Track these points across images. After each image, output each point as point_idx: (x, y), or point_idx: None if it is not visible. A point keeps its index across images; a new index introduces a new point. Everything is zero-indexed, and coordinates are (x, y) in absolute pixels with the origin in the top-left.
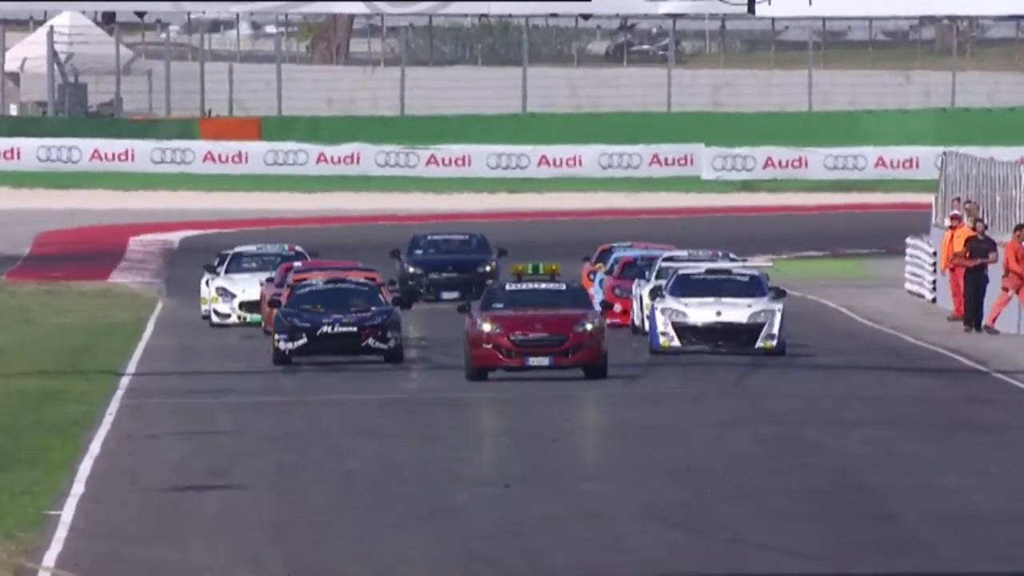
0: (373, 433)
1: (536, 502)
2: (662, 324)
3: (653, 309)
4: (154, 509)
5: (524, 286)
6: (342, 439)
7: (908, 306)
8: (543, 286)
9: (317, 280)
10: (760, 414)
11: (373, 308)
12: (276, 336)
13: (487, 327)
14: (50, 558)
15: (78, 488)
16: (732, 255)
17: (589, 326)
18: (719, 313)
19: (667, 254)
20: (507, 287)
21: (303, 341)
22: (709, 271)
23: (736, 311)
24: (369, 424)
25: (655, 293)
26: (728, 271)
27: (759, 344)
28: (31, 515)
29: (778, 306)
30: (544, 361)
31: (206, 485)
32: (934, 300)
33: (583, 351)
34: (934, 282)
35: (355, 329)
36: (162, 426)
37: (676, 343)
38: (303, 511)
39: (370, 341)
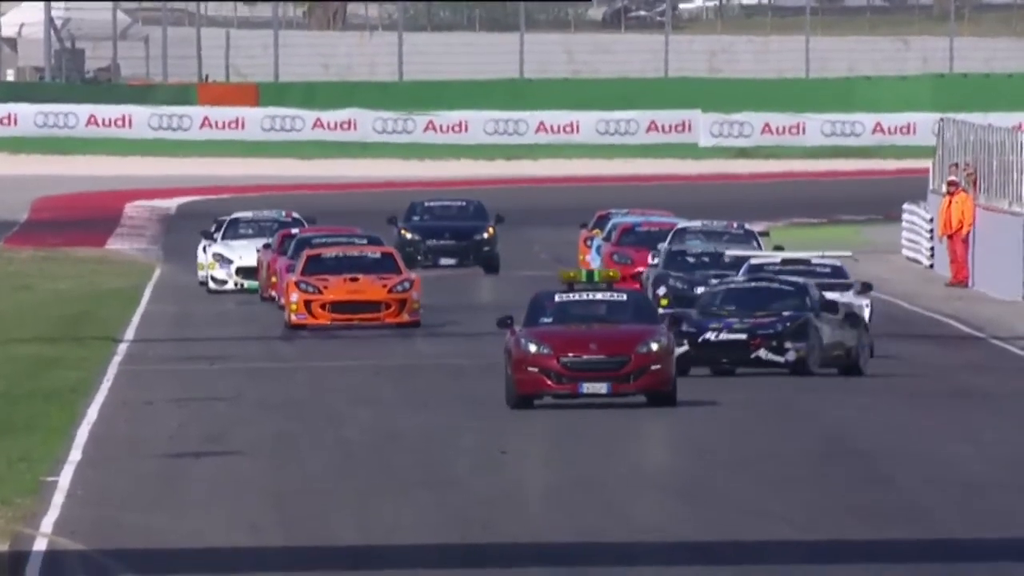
0: (372, 400)
1: (534, 469)
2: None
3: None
4: (152, 475)
5: (576, 297)
6: (341, 406)
7: (905, 272)
8: (599, 296)
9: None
10: (756, 382)
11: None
12: None
13: (532, 347)
14: (47, 524)
15: (75, 455)
16: (747, 225)
17: (655, 345)
18: None
19: (681, 224)
20: (556, 298)
21: (683, 348)
22: (785, 261)
23: None
24: (368, 391)
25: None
26: (807, 261)
27: None
28: (28, 481)
29: (865, 301)
30: (601, 388)
31: (203, 451)
32: (931, 266)
33: (648, 375)
34: (931, 248)
35: (745, 337)
36: (159, 392)
37: None
38: (301, 478)
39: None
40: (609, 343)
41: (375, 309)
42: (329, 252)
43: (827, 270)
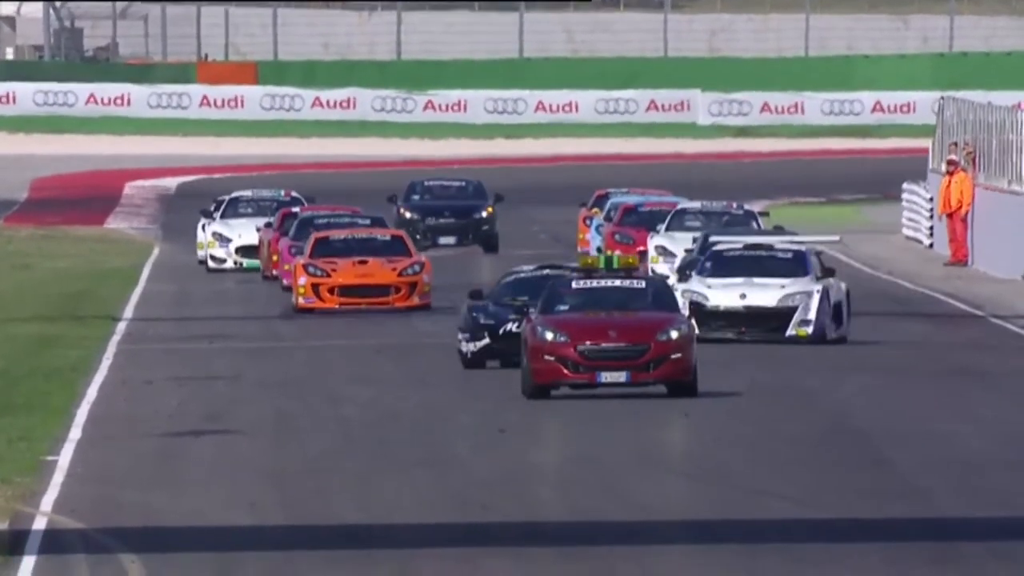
0: (371, 379)
1: (532, 448)
2: (681, 308)
3: (674, 291)
4: (151, 454)
5: (594, 283)
6: (340, 385)
7: (905, 252)
8: (618, 283)
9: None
10: (755, 361)
11: None
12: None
13: (549, 335)
14: (47, 503)
15: (75, 433)
16: (746, 207)
17: (675, 333)
18: (743, 296)
19: (681, 205)
20: (573, 285)
21: (485, 342)
22: (747, 247)
23: (764, 294)
24: (368, 370)
25: (683, 273)
26: (770, 246)
27: (791, 331)
28: (28, 460)
29: (817, 287)
30: (620, 377)
31: (203, 430)
32: (931, 246)
33: (668, 364)
34: (931, 228)
35: None
36: (159, 371)
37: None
38: (301, 457)
39: None
40: (628, 331)
41: (384, 293)
42: (337, 235)
43: (788, 255)
